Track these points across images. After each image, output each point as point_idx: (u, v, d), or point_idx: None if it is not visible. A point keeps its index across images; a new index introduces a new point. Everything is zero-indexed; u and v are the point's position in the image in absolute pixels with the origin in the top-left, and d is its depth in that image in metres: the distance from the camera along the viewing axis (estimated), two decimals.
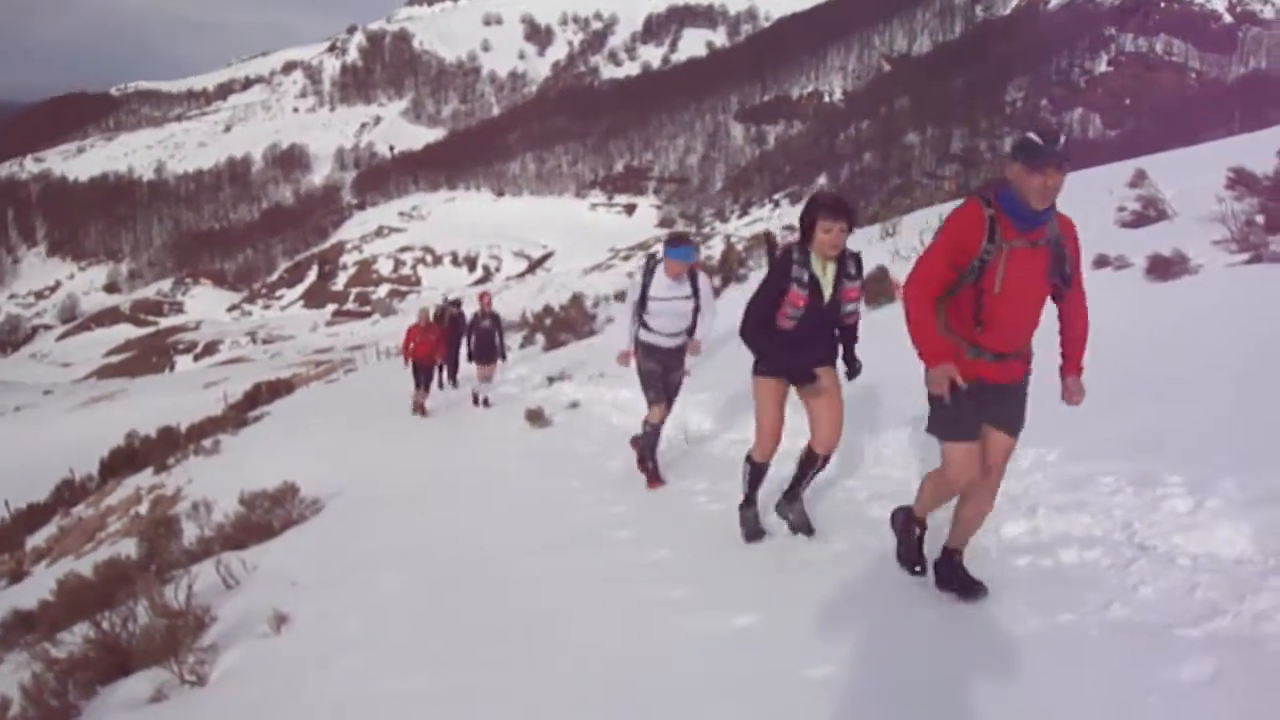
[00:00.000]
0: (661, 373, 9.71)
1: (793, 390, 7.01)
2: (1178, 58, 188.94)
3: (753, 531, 7.36)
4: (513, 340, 28.07)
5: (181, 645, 7.21)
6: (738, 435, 11.01)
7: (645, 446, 9.99)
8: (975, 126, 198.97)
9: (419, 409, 20.69)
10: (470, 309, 24.14)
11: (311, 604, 8.03)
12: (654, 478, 9.90)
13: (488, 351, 20.18)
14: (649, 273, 9.39)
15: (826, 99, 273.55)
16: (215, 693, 6.81)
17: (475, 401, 20.07)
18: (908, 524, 5.98)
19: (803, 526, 7.17)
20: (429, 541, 9.62)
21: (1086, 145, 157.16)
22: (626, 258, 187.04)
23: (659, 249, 9.73)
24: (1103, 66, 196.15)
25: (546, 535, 8.79)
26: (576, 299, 36.84)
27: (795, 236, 6.68)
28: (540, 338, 29.24)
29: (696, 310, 9.52)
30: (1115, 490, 6.22)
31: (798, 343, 6.71)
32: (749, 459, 7.31)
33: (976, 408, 5.21)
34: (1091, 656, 4.42)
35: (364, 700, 5.97)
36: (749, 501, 7.47)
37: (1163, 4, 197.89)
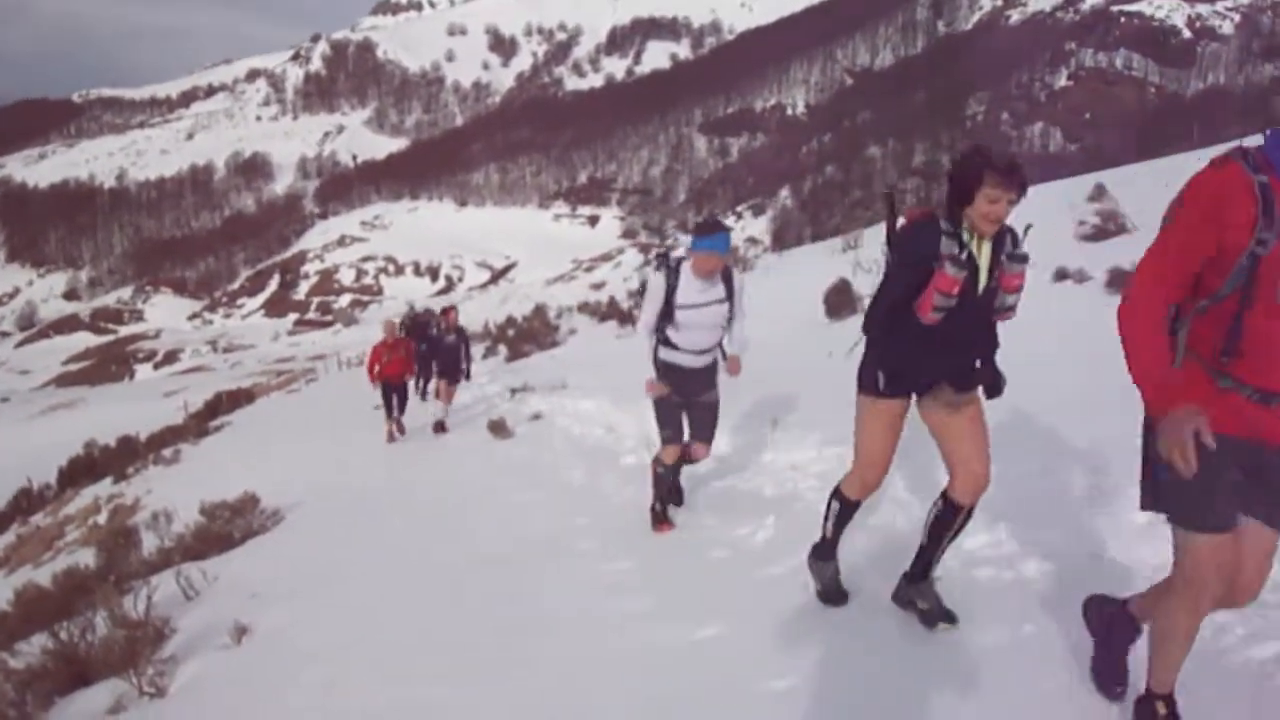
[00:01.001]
0: (682, 403, 8.04)
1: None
2: (1137, 72, 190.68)
3: (832, 592, 5.80)
4: (475, 351, 27.95)
5: (141, 656, 7.16)
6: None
7: (658, 489, 8.37)
8: (937, 140, 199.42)
9: (391, 438, 18.39)
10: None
11: (273, 615, 7.98)
12: (662, 519, 8.29)
13: (453, 370, 18.26)
14: (673, 273, 7.51)
15: (789, 112, 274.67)
16: (175, 705, 6.76)
17: (437, 429, 17.81)
18: (1148, 707, 3.90)
19: (941, 615, 5.23)
20: (392, 552, 9.58)
21: (1046, 159, 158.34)
22: (589, 269, 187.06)
23: (681, 243, 8.02)
24: (1063, 81, 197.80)
25: (509, 547, 8.76)
26: (539, 310, 36.92)
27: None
28: (503, 349, 29.19)
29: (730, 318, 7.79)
30: (1076, 502, 6.26)
31: (944, 346, 4.95)
32: (837, 494, 5.70)
33: (1239, 478, 3.49)
34: (1054, 669, 4.45)
35: (327, 714, 5.94)
36: (827, 549, 5.78)
37: (1122, 19, 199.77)
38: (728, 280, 7.63)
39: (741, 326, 7.89)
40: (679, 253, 7.80)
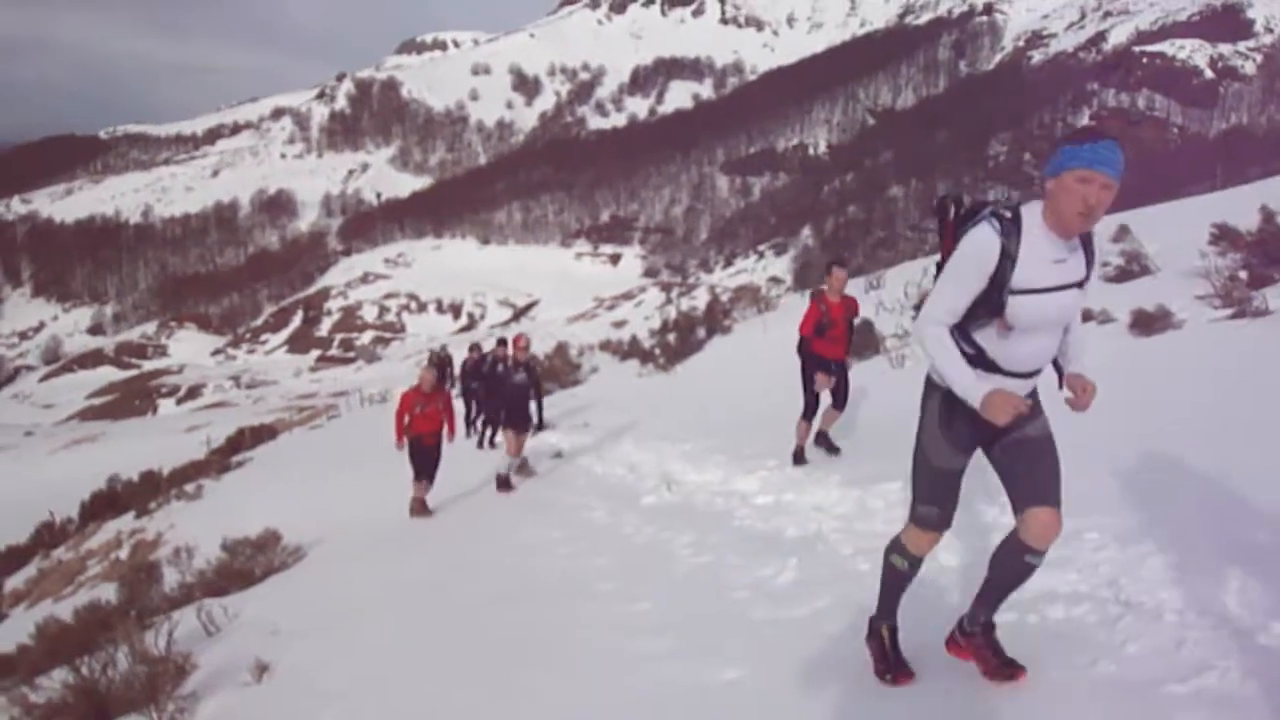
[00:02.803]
0: (967, 455, 4.68)
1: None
2: (1159, 113, 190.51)
3: None
4: None
5: (161, 692, 7.17)
6: (723, 486, 10.98)
7: (888, 598, 5.20)
8: (959, 180, 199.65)
9: (419, 507, 14.74)
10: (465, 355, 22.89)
11: (294, 653, 7.98)
12: (897, 664, 5.18)
13: (521, 416, 14.83)
14: (1012, 230, 4.17)
15: (811, 151, 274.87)
16: None
17: (502, 485, 14.77)
18: None
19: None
20: (413, 591, 9.57)
21: None
22: (611, 307, 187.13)
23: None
24: (1085, 121, 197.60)
25: (531, 586, 8.75)
26: (561, 348, 36.91)
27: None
28: None
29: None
30: (1100, 546, 6.21)
31: None
32: None
33: None
34: (1079, 714, 4.39)
35: None
36: None
37: (1144, 60, 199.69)
38: (1087, 245, 4.37)
39: (1079, 333, 4.61)
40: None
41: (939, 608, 5.91)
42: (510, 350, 15.88)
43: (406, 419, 14.69)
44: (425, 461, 14.88)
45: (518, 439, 14.78)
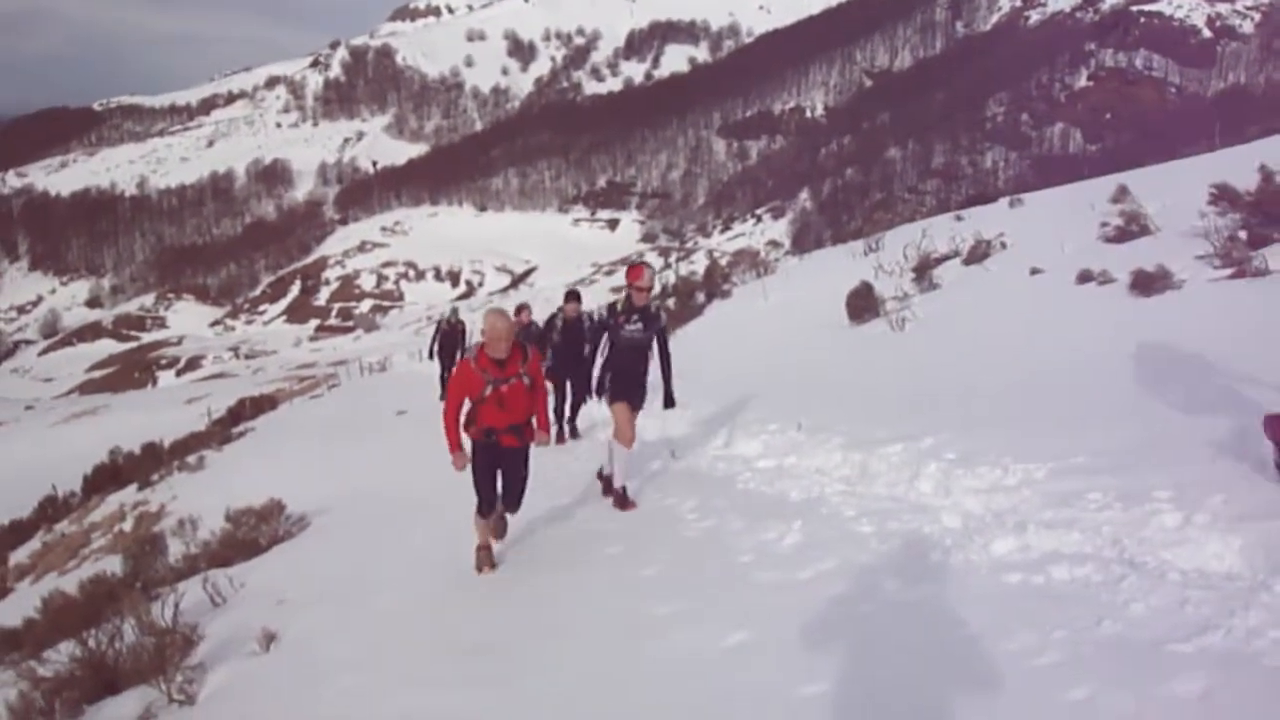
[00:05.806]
0: None
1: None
2: (1157, 72, 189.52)
3: None
4: None
5: (169, 664, 7.19)
6: (726, 451, 11.00)
7: None
8: (956, 141, 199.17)
9: (485, 554, 8.51)
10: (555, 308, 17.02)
11: (300, 622, 8.00)
12: None
13: (634, 385, 10.03)
14: None
15: (808, 114, 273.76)
16: (204, 712, 6.79)
17: (616, 495, 9.75)
18: None
19: None
20: (418, 558, 9.59)
21: (1067, 160, 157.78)
22: (610, 273, 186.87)
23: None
24: (1083, 81, 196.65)
25: (538, 552, 8.77)
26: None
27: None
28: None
29: None
30: (1104, 506, 6.22)
31: None
32: None
33: None
34: (1083, 673, 4.41)
35: None
36: None
37: (1142, 19, 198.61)
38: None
39: None
40: None
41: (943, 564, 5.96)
42: (630, 290, 9.83)
43: (462, 415, 8.41)
44: (501, 470, 8.59)
45: (631, 421, 10.02)
